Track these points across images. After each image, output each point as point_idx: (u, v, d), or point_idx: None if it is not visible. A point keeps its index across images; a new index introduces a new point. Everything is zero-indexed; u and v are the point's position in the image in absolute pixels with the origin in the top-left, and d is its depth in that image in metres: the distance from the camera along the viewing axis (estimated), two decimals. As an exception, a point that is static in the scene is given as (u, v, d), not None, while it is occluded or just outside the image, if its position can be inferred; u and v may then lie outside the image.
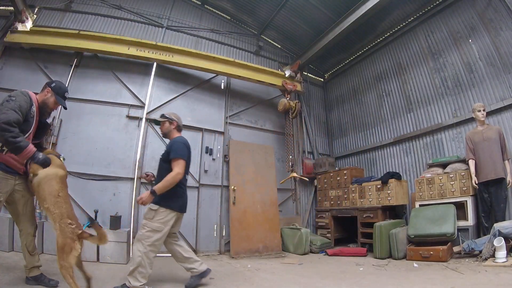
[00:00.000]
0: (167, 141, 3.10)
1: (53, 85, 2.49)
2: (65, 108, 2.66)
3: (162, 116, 3.01)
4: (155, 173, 3.01)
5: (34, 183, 2.20)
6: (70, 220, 2.14)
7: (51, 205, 2.13)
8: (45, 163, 2.20)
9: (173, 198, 2.69)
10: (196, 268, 2.86)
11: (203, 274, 2.89)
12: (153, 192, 2.56)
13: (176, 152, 2.69)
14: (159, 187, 2.58)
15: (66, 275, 1.97)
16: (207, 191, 5.34)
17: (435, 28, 5.22)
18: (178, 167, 2.64)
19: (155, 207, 2.63)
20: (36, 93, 2.46)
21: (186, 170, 2.83)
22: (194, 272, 2.86)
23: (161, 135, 3.07)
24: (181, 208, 2.80)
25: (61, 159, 2.50)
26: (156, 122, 3.06)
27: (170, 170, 2.66)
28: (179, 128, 3.02)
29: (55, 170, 2.26)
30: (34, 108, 2.30)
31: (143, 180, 4.83)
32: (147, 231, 2.59)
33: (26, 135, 2.25)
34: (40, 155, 2.18)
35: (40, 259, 2.50)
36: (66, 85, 4.71)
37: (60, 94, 2.51)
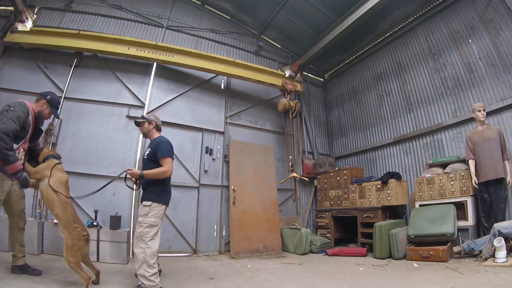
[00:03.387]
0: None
1: (48, 97, 2.70)
2: (58, 118, 2.99)
3: (142, 117, 3.14)
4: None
5: (43, 189, 2.47)
6: (76, 224, 2.52)
7: (59, 212, 2.45)
8: (25, 184, 2.44)
9: (163, 193, 2.87)
10: None
11: None
12: (141, 175, 2.78)
13: (164, 151, 2.82)
14: (147, 173, 2.77)
15: (75, 267, 2.39)
16: (207, 191, 5.34)
17: (435, 28, 5.22)
18: (167, 165, 2.79)
19: (148, 203, 2.74)
20: (31, 95, 2.59)
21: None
22: None
23: (141, 135, 3.20)
24: (168, 202, 2.94)
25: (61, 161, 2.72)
26: (137, 124, 3.14)
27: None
28: (158, 128, 3.11)
29: (60, 175, 2.55)
30: (30, 117, 2.52)
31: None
32: (145, 228, 2.67)
33: (23, 141, 2.48)
34: (24, 175, 2.39)
35: (25, 251, 2.70)
36: (66, 85, 4.78)
37: (54, 106, 2.75)
